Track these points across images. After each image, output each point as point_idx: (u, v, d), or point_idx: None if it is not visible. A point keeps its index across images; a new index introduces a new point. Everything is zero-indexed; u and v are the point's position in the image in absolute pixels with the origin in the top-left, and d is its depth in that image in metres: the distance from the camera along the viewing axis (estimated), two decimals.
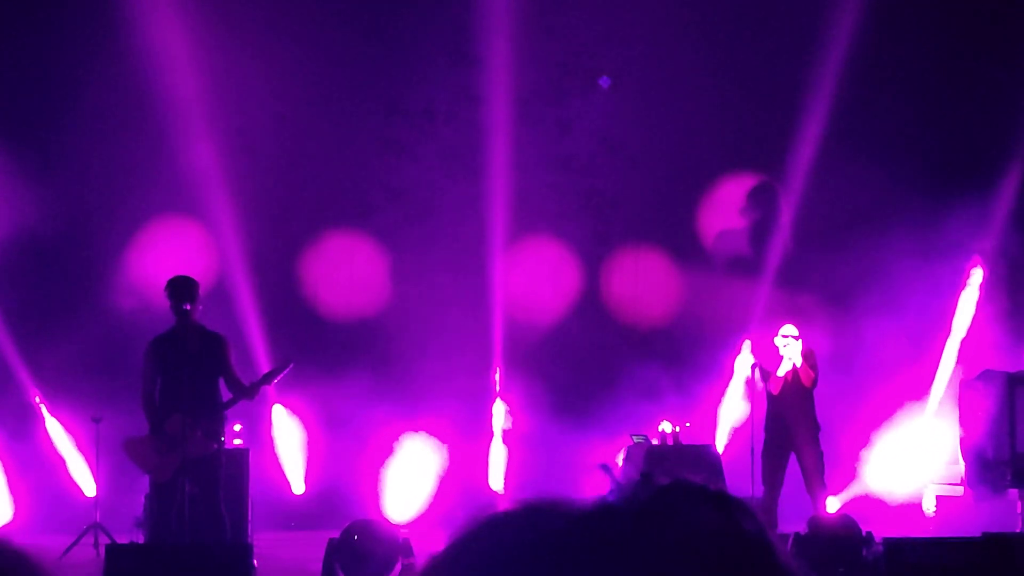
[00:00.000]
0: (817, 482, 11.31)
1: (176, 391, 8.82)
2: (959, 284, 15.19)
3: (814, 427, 11.37)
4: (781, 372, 11.27)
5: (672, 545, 0.90)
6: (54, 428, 13.86)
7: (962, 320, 15.15)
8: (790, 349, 11.26)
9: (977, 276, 15.06)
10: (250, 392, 8.95)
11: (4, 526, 13.29)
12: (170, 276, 9.30)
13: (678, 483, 0.96)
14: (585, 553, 0.89)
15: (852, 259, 15.11)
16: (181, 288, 8.99)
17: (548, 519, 0.93)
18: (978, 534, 9.22)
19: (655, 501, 0.93)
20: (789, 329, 11.40)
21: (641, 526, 0.91)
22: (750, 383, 12.06)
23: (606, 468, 0.94)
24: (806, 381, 11.28)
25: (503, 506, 0.95)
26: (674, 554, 0.89)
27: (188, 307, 8.91)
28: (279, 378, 9.33)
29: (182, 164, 14.10)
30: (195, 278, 9.21)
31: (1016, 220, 15.29)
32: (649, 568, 0.89)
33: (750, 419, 11.89)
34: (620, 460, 13.56)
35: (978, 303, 15.10)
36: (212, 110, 14.01)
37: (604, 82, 15.34)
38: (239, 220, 14.33)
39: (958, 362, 14.98)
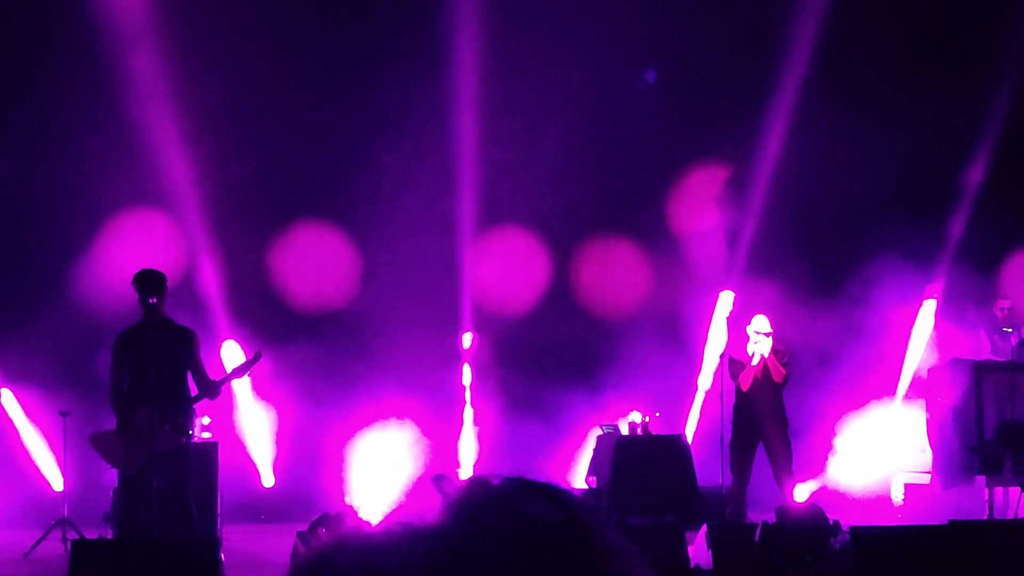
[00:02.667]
0: (785, 472, 11.35)
1: (144, 385, 8.75)
2: (927, 279, 15.31)
3: (783, 421, 11.41)
4: (755, 362, 11.30)
5: (506, 544, 0.90)
6: (21, 422, 13.75)
7: (927, 316, 15.26)
8: (761, 345, 11.29)
9: (930, 306, 15.21)
10: (215, 388, 8.89)
11: None
12: (137, 269, 9.21)
13: (510, 481, 0.96)
14: (428, 570, 0.89)
15: (821, 252, 15.19)
16: (147, 281, 8.91)
17: (388, 540, 0.92)
18: (945, 522, 9.25)
19: (485, 505, 0.94)
20: (761, 323, 11.41)
21: (477, 534, 0.91)
22: (720, 374, 12.08)
23: (439, 479, 0.94)
24: (777, 378, 11.31)
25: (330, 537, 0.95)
26: (509, 553, 0.90)
27: (154, 301, 8.83)
28: (248, 371, 9.28)
29: (149, 156, 13.99)
30: (162, 272, 9.13)
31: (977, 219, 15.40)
32: (488, 570, 0.89)
33: (719, 409, 11.92)
34: (589, 453, 13.58)
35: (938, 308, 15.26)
36: (179, 101, 13.90)
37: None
38: (206, 212, 14.25)
39: (925, 352, 15.07)
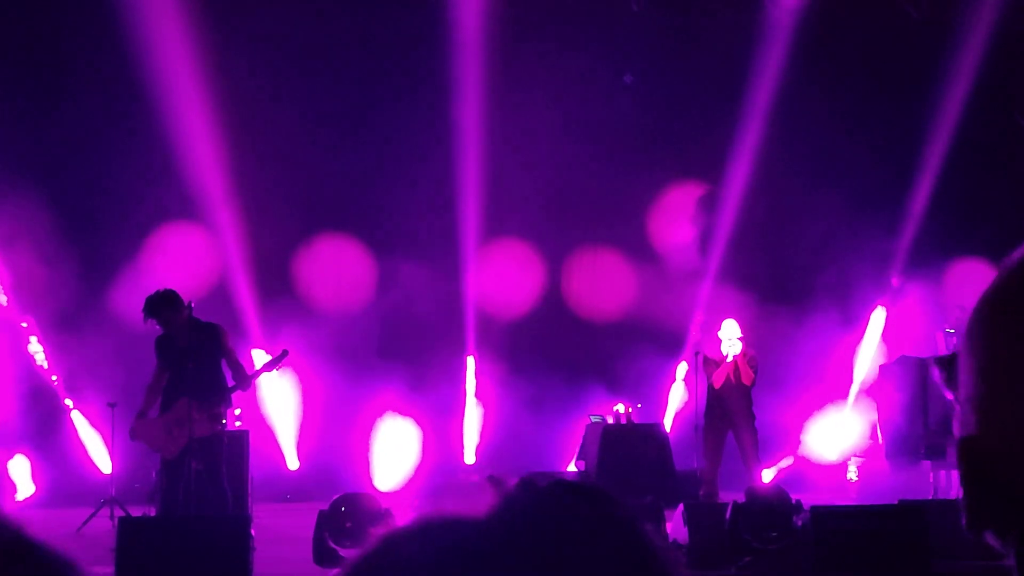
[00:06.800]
0: (753, 457, 11.37)
1: (183, 379, 8.79)
2: (878, 291, 15.35)
3: (751, 415, 11.44)
4: (729, 359, 11.32)
5: (558, 541, 0.90)
6: (75, 413, 13.78)
7: (877, 323, 15.30)
8: (732, 347, 11.32)
9: (879, 316, 15.24)
10: (248, 380, 8.90)
11: (26, 499, 13.23)
12: (167, 283, 9.19)
13: (556, 483, 0.96)
14: (481, 562, 0.90)
15: (788, 263, 15.22)
16: (152, 307, 8.83)
17: (444, 533, 0.93)
18: (895, 501, 9.28)
19: (538, 504, 0.93)
20: (731, 326, 11.43)
21: (528, 529, 0.91)
22: (694, 371, 12.09)
23: (493, 479, 0.92)
24: (746, 380, 11.33)
25: (403, 522, 0.95)
26: (561, 549, 0.90)
27: (165, 319, 8.78)
28: (277, 367, 9.26)
29: (188, 173, 13.98)
30: (162, 291, 8.95)
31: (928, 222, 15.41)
32: (541, 566, 0.89)
33: (694, 401, 11.94)
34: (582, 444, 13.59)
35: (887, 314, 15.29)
36: (217, 123, 13.86)
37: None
38: (239, 225, 14.26)
39: (876, 351, 15.11)
